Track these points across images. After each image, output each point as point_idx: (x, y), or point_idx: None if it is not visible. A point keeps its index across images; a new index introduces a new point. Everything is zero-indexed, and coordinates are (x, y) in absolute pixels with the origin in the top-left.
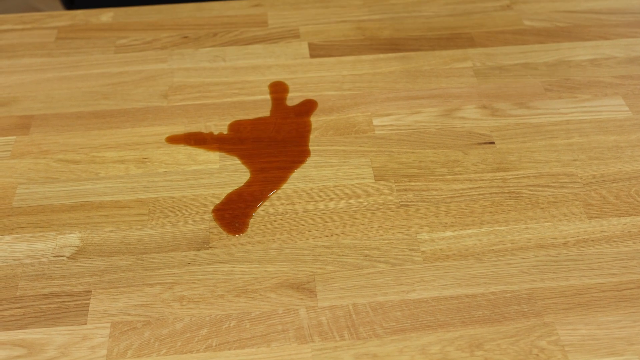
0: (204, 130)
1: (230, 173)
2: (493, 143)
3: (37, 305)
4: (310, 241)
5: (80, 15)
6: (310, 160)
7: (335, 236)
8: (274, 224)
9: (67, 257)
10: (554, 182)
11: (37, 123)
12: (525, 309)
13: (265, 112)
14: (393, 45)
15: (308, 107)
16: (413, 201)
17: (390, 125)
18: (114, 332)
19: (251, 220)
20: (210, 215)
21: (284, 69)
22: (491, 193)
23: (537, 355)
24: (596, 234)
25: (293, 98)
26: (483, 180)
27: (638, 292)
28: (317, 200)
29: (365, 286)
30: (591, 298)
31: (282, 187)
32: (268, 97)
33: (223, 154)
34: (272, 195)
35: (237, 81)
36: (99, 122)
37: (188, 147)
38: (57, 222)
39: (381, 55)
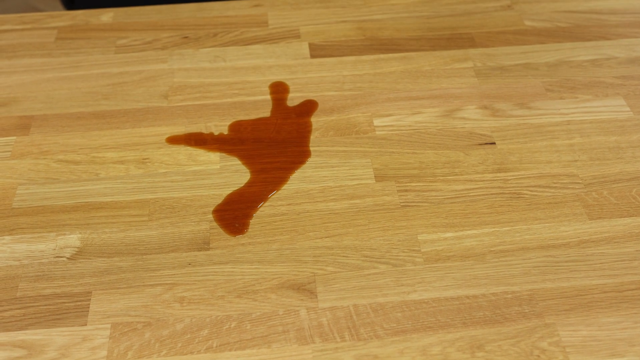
0: (204, 131)
1: (230, 174)
2: (494, 143)
3: (37, 306)
4: (311, 242)
5: (81, 16)
6: (310, 161)
7: (335, 237)
8: (274, 224)
9: (67, 257)
10: (554, 183)
11: (37, 123)
12: (526, 310)
13: (265, 112)
14: (394, 46)
15: (308, 107)
16: (414, 202)
17: (391, 125)
18: (114, 333)
19: (252, 221)
20: (210, 216)
21: (284, 69)
22: (492, 194)
23: (538, 356)
24: (597, 235)
25: (293, 98)
26: (484, 180)
27: (639, 293)
28: (317, 201)
29: (365, 287)
30: (592, 299)
31: (283, 188)
32: (268, 97)
33: (223, 154)
34: (273, 196)
35: (238, 81)
36: (99, 123)
37: (188, 148)
38: (57, 222)
39: (382, 56)
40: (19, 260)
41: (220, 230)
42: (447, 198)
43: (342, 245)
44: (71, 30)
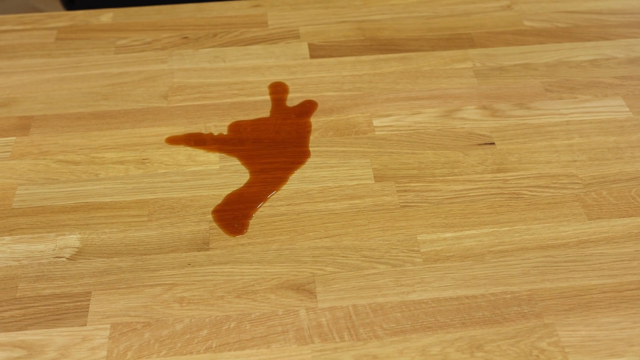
0: (203, 131)
1: (230, 174)
2: (493, 144)
3: (37, 306)
4: (310, 242)
5: (80, 16)
6: (310, 161)
7: (335, 237)
8: (273, 225)
9: (66, 258)
10: (554, 183)
11: (37, 124)
12: (526, 310)
13: (265, 112)
14: (393, 46)
15: (308, 107)
16: (413, 202)
17: (390, 126)
18: (114, 333)
19: (251, 221)
20: (210, 216)
21: (284, 70)
22: (491, 194)
23: (538, 356)
24: (596, 235)
25: (293, 99)
26: (483, 181)
27: (638, 293)
28: (317, 201)
29: (365, 287)
30: (591, 299)
31: (282, 188)
32: (268, 97)
33: (223, 154)
34: (272, 196)
35: (237, 82)
36: (98, 123)
37: (188, 148)
38: (57, 223)
39: (381, 56)
40: (19, 260)
41: (220, 231)
42: (447, 198)
43: (341, 245)
44: (71, 31)
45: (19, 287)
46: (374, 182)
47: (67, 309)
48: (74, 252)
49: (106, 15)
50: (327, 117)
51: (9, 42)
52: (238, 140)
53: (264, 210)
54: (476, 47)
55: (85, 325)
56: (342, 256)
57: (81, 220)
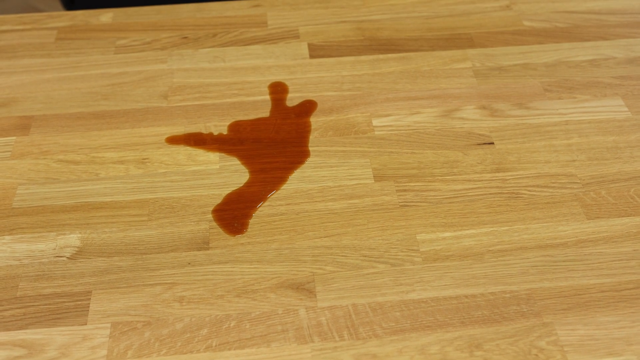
0: (203, 131)
1: (229, 174)
2: (492, 143)
3: (38, 305)
4: (310, 242)
5: (80, 16)
6: (309, 161)
7: (334, 237)
8: (273, 224)
9: (67, 257)
10: (553, 183)
11: (37, 124)
12: (525, 309)
13: (264, 112)
14: (392, 46)
15: (308, 107)
16: (412, 202)
17: (390, 125)
18: (114, 332)
19: (251, 221)
20: (210, 216)
21: (283, 70)
22: (490, 193)
23: (537, 355)
24: (595, 235)
25: (293, 98)
26: (482, 180)
27: (637, 292)
28: (316, 201)
29: (364, 286)
30: (590, 298)
31: (282, 188)
32: (268, 97)
33: (223, 154)
34: (272, 196)
35: (237, 82)
36: (98, 123)
37: (188, 148)
38: (57, 222)
39: (381, 56)
40: (19, 259)
41: (220, 230)
42: (446, 198)
43: (341, 244)
44: (71, 31)
45: (19, 287)
46: (373, 181)
47: (68, 308)
48: (74, 252)
49: (106, 15)
50: (326, 117)
51: (9, 42)
52: (238, 140)
53: (263, 210)
54: (475, 47)
55: (86, 324)
56: (342, 255)
57: (81, 220)
